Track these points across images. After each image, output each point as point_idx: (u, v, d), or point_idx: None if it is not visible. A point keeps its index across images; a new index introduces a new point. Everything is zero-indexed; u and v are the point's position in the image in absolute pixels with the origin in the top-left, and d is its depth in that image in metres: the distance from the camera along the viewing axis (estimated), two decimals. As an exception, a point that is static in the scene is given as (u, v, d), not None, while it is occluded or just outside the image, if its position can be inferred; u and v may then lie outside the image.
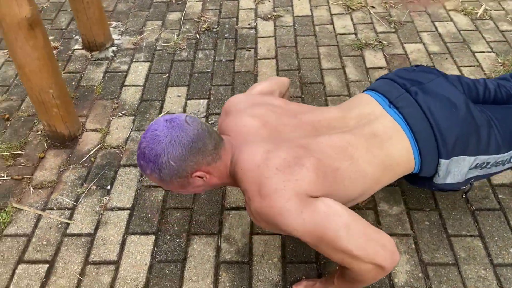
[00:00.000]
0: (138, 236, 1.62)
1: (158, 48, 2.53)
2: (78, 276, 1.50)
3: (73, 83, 2.32)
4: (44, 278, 1.50)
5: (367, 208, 1.67)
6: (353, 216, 1.16)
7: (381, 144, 1.29)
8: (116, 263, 1.54)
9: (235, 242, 1.58)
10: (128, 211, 1.70)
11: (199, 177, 1.17)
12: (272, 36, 2.57)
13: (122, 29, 2.70)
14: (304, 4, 2.82)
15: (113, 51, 2.51)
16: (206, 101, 2.17)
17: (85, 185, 1.80)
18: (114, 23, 2.75)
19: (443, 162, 1.33)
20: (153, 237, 1.61)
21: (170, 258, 1.54)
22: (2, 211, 1.71)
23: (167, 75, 2.34)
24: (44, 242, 1.61)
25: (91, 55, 2.50)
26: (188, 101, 2.17)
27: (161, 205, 1.71)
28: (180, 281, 1.48)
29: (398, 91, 1.38)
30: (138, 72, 2.37)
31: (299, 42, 2.51)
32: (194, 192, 1.30)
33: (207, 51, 2.49)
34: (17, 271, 1.52)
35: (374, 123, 1.33)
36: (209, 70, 2.35)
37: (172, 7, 2.86)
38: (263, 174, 1.15)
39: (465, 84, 1.51)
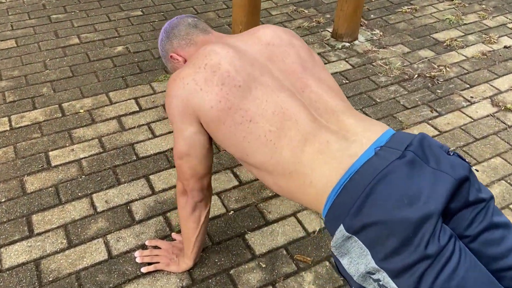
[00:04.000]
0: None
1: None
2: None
3: (293, 46, 2.81)
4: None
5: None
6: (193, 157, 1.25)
7: (318, 154, 1.08)
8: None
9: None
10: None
11: (175, 59, 1.36)
12: None
13: (374, 38, 2.92)
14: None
15: (343, 46, 2.81)
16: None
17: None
18: (376, 31, 2.99)
19: (341, 229, 1.00)
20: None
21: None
22: (167, 74, 2.51)
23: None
24: (152, 100, 2.33)
25: (327, 38, 2.89)
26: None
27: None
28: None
29: (398, 145, 1.05)
30: (333, 70, 2.63)
31: None
32: None
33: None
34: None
35: (339, 140, 1.08)
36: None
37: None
38: (193, 60, 1.22)
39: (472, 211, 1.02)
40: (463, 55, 2.78)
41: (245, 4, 2.30)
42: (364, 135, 1.08)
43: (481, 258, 0.99)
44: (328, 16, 3.16)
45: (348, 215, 0.98)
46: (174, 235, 1.66)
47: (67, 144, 2.04)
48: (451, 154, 1.05)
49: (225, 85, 1.14)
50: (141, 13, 3.10)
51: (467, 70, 2.64)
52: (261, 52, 1.23)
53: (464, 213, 1.01)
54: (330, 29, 2.98)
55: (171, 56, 1.37)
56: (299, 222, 1.73)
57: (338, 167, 1.04)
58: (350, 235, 0.99)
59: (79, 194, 1.82)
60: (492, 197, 1.05)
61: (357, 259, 0.99)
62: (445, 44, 2.88)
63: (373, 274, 0.98)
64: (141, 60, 2.63)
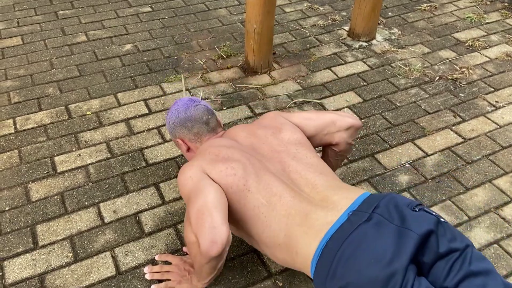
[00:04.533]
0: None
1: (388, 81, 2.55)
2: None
3: (308, 45, 2.70)
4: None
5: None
6: (210, 201, 1.23)
7: (299, 226, 1.20)
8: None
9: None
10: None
11: (180, 143, 1.55)
12: None
13: (392, 37, 2.80)
14: None
15: (360, 46, 2.70)
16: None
17: (211, 96, 2.28)
18: (394, 30, 2.87)
19: None
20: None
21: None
22: (177, 75, 2.41)
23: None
24: (162, 102, 2.23)
25: (344, 38, 2.77)
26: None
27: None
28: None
29: (367, 208, 1.15)
30: (350, 71, 2.52)
31: None
32: (186, 157, 1.62)
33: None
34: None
35: (317, 210, 1.20)
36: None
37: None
38: (201, 151, 1.43)
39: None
40: (486, 56, 2.65)
41: (260, 3, 2.18)
42: (340, 202, 1.19)
43: None
44: (344, 14, 3.03)
45: (327, 279, 1.09)
46: (185, 249, 1.57)
47: (74, 149, 1.96)
48: (417, 210, 1.13)
49: (228, 160, 1.33)
50: (151, 9, 3.00)
51: (491, 72, 2.52)
52: (245, 145, 1.43)
53: (439, 265, 1.06)
54: (347, 28, 2.86)
55: (178, 141, 1.56)
56: (317, 236, 1.64)
57: (316, 235, 1.15)
58: None
59: (86, 203, 1.73)
60: (468, 245, 1.08)
61: None
62: (467, 44, 2.75)
63: None
64: (151, 59, 2.53)
